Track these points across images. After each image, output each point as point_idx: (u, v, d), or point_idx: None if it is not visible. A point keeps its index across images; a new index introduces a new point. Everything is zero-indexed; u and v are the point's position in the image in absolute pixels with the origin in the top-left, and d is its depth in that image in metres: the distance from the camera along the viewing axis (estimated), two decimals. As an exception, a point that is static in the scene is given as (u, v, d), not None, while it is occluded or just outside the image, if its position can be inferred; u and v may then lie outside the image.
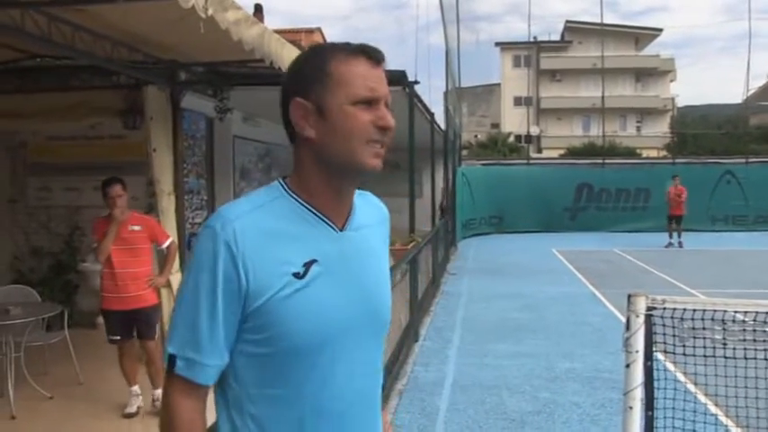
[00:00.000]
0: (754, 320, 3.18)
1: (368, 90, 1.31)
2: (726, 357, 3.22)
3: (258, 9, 25.82)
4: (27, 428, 4.97)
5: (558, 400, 5.39)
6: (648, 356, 3.17)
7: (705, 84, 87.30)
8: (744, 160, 22.77)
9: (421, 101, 10.81)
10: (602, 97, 26.39)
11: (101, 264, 5.26)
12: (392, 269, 5.78)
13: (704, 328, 3.24)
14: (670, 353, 3.25)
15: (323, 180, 1.35)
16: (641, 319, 3.19)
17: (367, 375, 1.43)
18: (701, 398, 4.74)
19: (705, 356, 3.25)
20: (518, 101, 49.88)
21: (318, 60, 1.33)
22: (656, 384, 3.16)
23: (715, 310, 3.25)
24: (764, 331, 3.17)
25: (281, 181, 1.38)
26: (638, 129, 50.69)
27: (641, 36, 52.24)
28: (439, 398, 5.53)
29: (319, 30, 31.45)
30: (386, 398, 5.30)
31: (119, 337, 5.24)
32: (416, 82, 8.78)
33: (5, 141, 8.17)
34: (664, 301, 3.21)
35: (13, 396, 5.15)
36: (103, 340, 5.34)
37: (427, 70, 64.80)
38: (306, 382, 1.31)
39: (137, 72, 6.02)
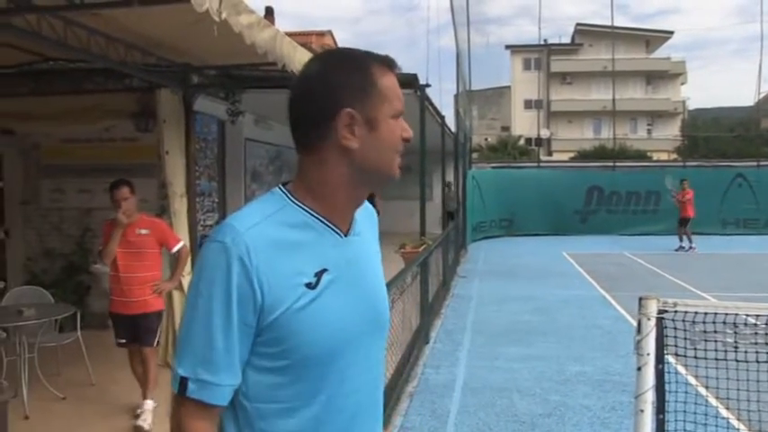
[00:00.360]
0: (766, 324, 3.18)
1: (401, 104, 1.35)
2: (737, 361, 3.23)
3: (269, 12, 25.91)
4: (40, 428, 5.00)
5: (569, 403, 5.39)
6: (660, 359, 3.18)
7: (716, 86, 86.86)
8: (755, 163, 22.67)
9: (432, 104, 10.83)
10: (613, 100, 26.34)
11: (108, 266, 5.24)
12: (402, 272, 5.80)
13: (716, 332, 3.24)
14: (681, 356, 3.25)
15: (349, 188, 1.35)
16: (652, 322, 3.19)
17: (373, 379, 1.44)
18: (713, 401, 4.71)
19: (716, 360, 3.25)
20: (528, 104, 49.83)
21: (365, 73, 1.32)
22: (667, 387, 3.17)
23: (726, 314, 3.25)
24: (772, 334, 3.17)
25: (283, 188, 1.37)
26: (649, 132, 50.52)
27: (652, 39, 52.07)
28: (449, 400, 5.54)
29: (330, 33, 31.53)
30: (396, 400, 5.32)
31: (124, 341, 5.21)
32: (428, 85, 8.81)
33: (19, 143, 8.25)
34: (675, 305, 3.21)
35: (26, 396, 5.18)
36: (110, 343, 5.35)
37: (438, 73, 64.93)
38: (319, 391, 1.31)
39: (150, 75, 6.08)
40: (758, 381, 3.26)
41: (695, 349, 3.28)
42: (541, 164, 26.23)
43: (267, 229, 1.26)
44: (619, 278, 12.31)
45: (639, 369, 3.20)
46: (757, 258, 15.64)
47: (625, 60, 45.52)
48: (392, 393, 5.18)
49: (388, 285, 1.62)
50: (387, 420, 4.74)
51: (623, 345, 6.82)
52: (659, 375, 3.17)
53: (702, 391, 4.92)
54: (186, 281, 6.48)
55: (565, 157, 39.11)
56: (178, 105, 6.50)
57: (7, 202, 8.33)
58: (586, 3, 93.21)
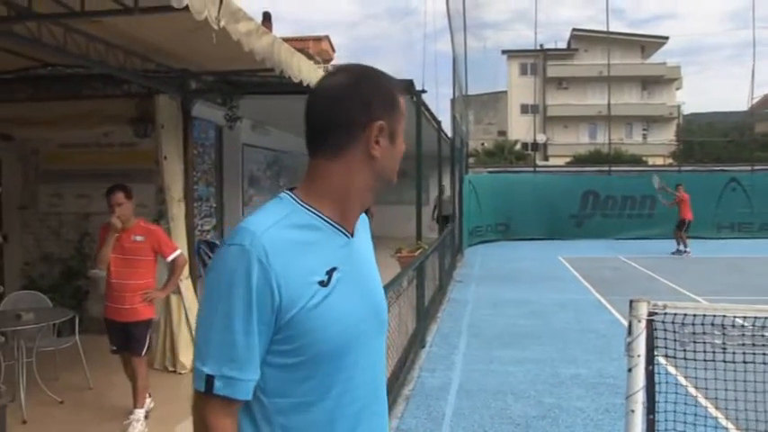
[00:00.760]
0: (753, 325, 3.24)
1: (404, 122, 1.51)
2: (725, 362, 3.29)
3: (266, 17, 25.96)
4: None
5: (563, 405, 5.45)
6: (650, 361, 3.24)
7: (712, 91, 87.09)
8: (749, 168, 22.80)
9: (428, 109, 10.90)
10: (608, 105, 26.44)
11: (104, 271, 5.18)
12: (399, 276, 5.86)
13: (704, 333, 3.30)
14: (671, 357, 3.31)
15: (365, 193, 1.45)
16: (643, 324, 3.26)
17: (379, 373, 1.53)
18: (702, 401, 4.79)
19: (705, 361, 3.31)
20: (525, 108, 49.96)
21: (391, 91, 1.46)
22: (657, 388, 3.23)
23: (715, 315, 3.31)
24: (763, 335, 3.23)
25: (290, 193, 1.44)
26: (645, 136, 50.68)
27: (647, 44, 52.29)
28: (445, 403, 5.60)
29: (327, 38, 31.61)
30: (393, 402, 5.37)
31: (115, 348, 5.19)
32: (424, 91, 8.88)
33: (18, 149, 8.29)
34: (665, 307, 3.28)
35: (24, 401, 5.21)
36: (107, 348, 5.34)
37: (434, 77, 65.02)
38: (333, 385, 1.38)
39: (148, 81, 6.14)
40: (745, 381, 3.32)
41: (684, 350, 3.34)
42: (537, 168, 26.31)
43: (281, 231, 1.33)
44: (614, 282, 12.39)
45: (630, 370, 3.27)
46: (751, 262, 15.74)
47: (621, 66, 45.65)
48: (388, 396, 5.22)
49: (385, 289, 1.70)
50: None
51: (617, 348, 6.87)
52: (649, 376, 3.24)
53: (692, 391, 4.99)
54: (184, 285, 6.55)
55: (561, 161, 39.19)
56: (176, 111, 6.56)
57: (5, 207, 8.36)
58: (583, 8, 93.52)
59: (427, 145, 10.45)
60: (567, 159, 38.88)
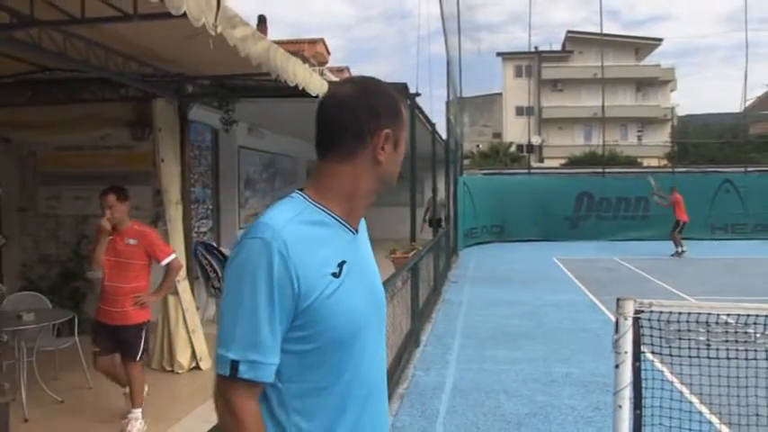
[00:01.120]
0: (736, 323, 3.35)
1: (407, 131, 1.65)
2: (710, 357, 3.40)
3: (262, 20, 26.02)
4: (39, 430, 5.12)
5: (554, 403, 5.55)
6: (637, 357, 3.34)
7: (706, 93, 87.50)
8: (743, 169, 22.95)
9: (422, 112, 10.99)
10: (602, 107, 26.57)
11: (99, 272, 5.18)
12: (393, 276, 5.95)
13: (689, 330, 3.41)
14: (657, 354, 3.41)
15: (370, 194, 1.59)
16: (629, 321, 3.36)
17: (380, 360, 1.66)
18: (687, 396, 4.90)
19: (690, 357, 3.42)
20: (520, 110, 50.06)
21: (396, 102, 1.60)
22: (644, 384, 3.33)
23: (699, 313, 3.42)
24: (746, 332, 3.34)
25: (301, 192, 1.56)
26: (639, 138, 50.85)
27: (642, 46, 52.48)
28: (439, 401, 5.69)
29: (322, 41, 31.68)
30: (388, 400, 5.45)
31: (98, 350, 5.14)
32: (418, 94, 8.99)
33: (16, 151, 8.37)
34: (651, 305, 3.38)
35: (25, 400, 5.29)
36: None
37: (429, 80, 65.22)
38: (344, 370, 1.49)
39: (146, 85, 6.22)
40: (728, 376, 3.43)
41: (670, 347, 3.45)
42: (532, 170, 26.43)
43: (297, 226, 1.44)
44: (607, 283, 12.49)
45: (617, 367, 3.36)
46: (745, 263, 15.86)
47: (615, 67, 45.84)
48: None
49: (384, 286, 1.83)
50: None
51: (609, 347, 6.96)
52: (636, 373, 3.33)
53: (678, 386, 5.10)
54: (181, 286, 6.62)
55: (556, 163, 39.32)
56: (173, 114, 6.65)
57: (4, 209, 8.44)
58: (577, 10, 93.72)
59: (422, 147, 10.54)
60: (563, 161, 39.02)
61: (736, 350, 3.35)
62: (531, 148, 39.59)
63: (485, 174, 25.46)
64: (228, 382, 1.40)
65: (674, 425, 3.49)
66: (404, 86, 8.19)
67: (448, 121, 17.70)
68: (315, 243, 1.45)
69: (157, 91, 6.47)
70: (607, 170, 23.95)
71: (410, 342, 7.25)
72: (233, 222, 10.53)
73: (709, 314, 3.35)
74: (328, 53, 32.81)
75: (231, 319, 1.40)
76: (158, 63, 5.73)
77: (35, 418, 5.26)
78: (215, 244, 9.48)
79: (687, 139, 40.52)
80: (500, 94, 52.47)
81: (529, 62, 50.37)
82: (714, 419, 4.54)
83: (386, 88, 1.61)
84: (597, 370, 6.45)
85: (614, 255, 17.37)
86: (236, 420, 1.39)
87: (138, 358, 5.11)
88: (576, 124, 50.46)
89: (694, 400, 4.88)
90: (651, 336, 3.40)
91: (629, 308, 3.38)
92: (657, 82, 51.28)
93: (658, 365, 4.43)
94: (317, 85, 6.13)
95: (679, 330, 3.41)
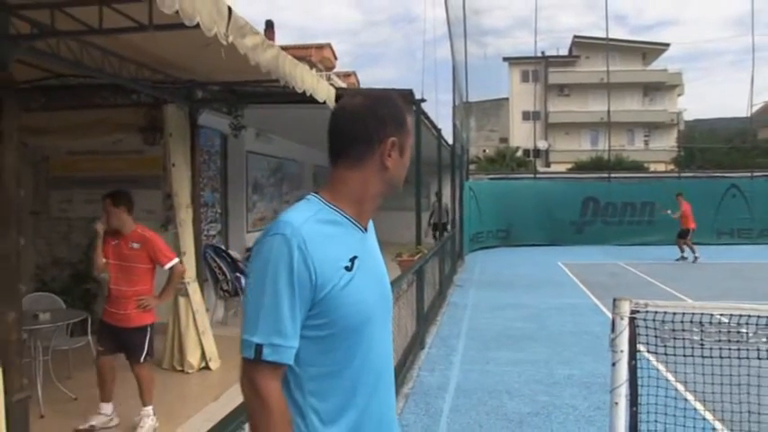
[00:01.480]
0: (729, 322, 3.46)
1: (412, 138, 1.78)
2: (703, 356, 3.51)
3: (269, 25, 26.22)
4: (54, 427, 5.26)
5: (556, 403, 5.67)
6: (632, 356, 3.46)
7: (714, 97, 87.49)
8: (749, 174, 23.00)
9: (428, 117, 11.13)
10: (608, 112, 26.66)
11: (105, 274, 5.30)
12: (399, 279, 6.08)
13: (684, 330, 3.53)
14: (653, 352, 3.53)
15: (377, 197, 1.75)
16: (625, 321, 3.48)
17: (388, 347, 1.81)
18: (682, 393, 5.03)
19: (684, 356, 3.53)
20: (526, 115, 50.19)
21: (401, 113, 1.76)
22: (639, 382, 3.45)
23: (693, 313, 3.54)
24: (738, 332, 3.45)
25: (316, 195, 1.71)
26: (646, 143, 50.86)
27: (649, 51, 52.53)
28: (443, 400, 5.81)
29: (329, 45, 31.92)
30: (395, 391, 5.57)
31: (101, 349, 5.26)
32: (423, 100, 9.12)
33: (29, 156, 8.53)
34: (646, 305, 3.50)
35: (41, 397, 5.46)
36: None
37: (435, 84, 65.38)
38: (355, 356, 1.64)
39: (157, 91, 6.37)
40: (722, 375, 3.54)
41: (665, 346, 3.56)
42: (538, 175, 26.53)
43: (313, 224, 1.59)
44: (611, 287, 12.57)
45: (614, 365, 3.49)
46: (750, 267, 15.91)
47: (622, 72, 45.94)
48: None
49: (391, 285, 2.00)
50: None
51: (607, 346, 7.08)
52: (632, 371, 3.45)
53: (673, 384, 5.21)
54: (192, 288, 6.77)
55: (562, 168, 39.40)
56: (184, 120, 6.81)
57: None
58: (584, 14, 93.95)
59: (427, 152, 10.67)
60: (569, 166, 39.09)
61: (729, 349, 3.46)
62: (537, 152, 39.72)
63: (491, 179, 25.58)
64: (253, 365, 1.54)
65: (669, 421, 3.60)
66: (409, 92, 8.32)
67: (454, 126, 17.82)
68: (329, 240, 1.60)
69: (168, 97, 6.63)
70: (613, 175, 24.03)
71: (415, 344, 7.37)
72: (241, 226, 10.69)
73: (702, 314, 3.47)
74: (335, 58, 33.06)
75: (255, 308, 1.55)
76: (170, 70, 5.89)
77: (50, 415, 5.42)
78: (224, 247, 9.63)
79: (694, 144, 40.52)
80: (507, 98, 52.59)
81: (535, 67, 50.46)
82: (708, 416, 4.65)
83: (392, 100, 1.77)
84: (598, 371, 6.55)
85: (619, 259, 17.44)
86: (261, 400, 1.53)
87: (141, 360, 5.20)
88: (582, 129, 50.51)
89: (689, 397, 5.00)
90: (647, 335, 3.51)
91: (626, 308, 3.50)
92: (665, 87, 51.28)
93: (654, 364, 4.54)
94: (324, 91, 6.27)
95: (674, 330, 3.52)
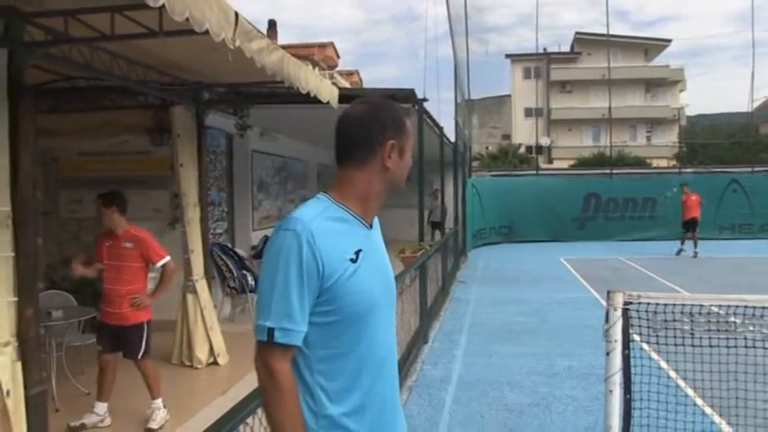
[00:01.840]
0: (718, 312, 3.61)
1: (413, 140, 1.96)
2: (693, 346, 3.66)
3: (272, 25, 26.34)
4: (69, 421, 5.40)
5: (556, 394, 5.83)
6: (626, 346, 3.62)
7: (716, 93, 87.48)
8: (750, 169, 23.10)
9: (430, 116, 11.27)
10: (609, 108, 26.78)
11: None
12: (401, 274, 6.23)
13: (675, 320, 3.68)
14: (646, 342, 3.69)
15: (380, 195, 1.91)
16: (619, 312, 3.64)
17: (392, 336, 1.97)
18: (675, 380, 5.17)
19: (675, 345, 3.68)
20: (529, 112, 50.25)
21: (400, 117, 1.92)
22: (633, 370, 3.60)
23: (684, 304, 3.69)
24: (727, 322, 3.60)
25: (325, 194, 1.87)
26: (648, 138, 50.91)
27: (651, 47, 52.56)
28: (445, 392, 5.98)
29: (332, 44, 32.03)
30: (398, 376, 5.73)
31: (100, 348, 5.40)
32: (425, 99, 9.25)
33: (39, 157, 8.68)
34: (639, 297, 3.66)
35: (56, 392, 5.63)
36: None
37: (437, 82, 65.44)
38: (360, 340, 1.79)
39: (165, 93, 6.53)
40: (711, 362, 3.70)
41: (657, 336, 3.71)
42: (540, 172, 26.64)
43: (322, 221, 1.76)
44: (613, 282, 12.69)
45: (608, 354, 3.65)
46: (751, 262, 16.04)
47: (624, 68, 45.97)
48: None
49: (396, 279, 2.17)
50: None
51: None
52: (625, 360, 3.61)
53: (665, 372, 5.36)
54: (201, 285, 6.92)
55: (565, 164, 39.49)
56: (191, 121, 6.96)
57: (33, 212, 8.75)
58: (586, 11, 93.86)
59: (430, 150, 10.81)
60: (572, 162, 39.16)
61: (718, 338, 3.61)
62: (539, 149, 39.82)
63: (493, 175, 25.70)
64: (266, 347, 1.71)
65: (661, 408, 3.76)
66: (411, 92, 8.46)
67: (456, 123, 17.93)
68: (336, 235, 1.76)
69: (175, 98, 6.79)
70: (614, 171, 24.14)
71: (419, 338, 7.53)
72: (247, 224, 10.85)
73: (693, 305, 3.62)
74: (338, 57, 33.16)
75: (268, 295, 1.72)
76: (178, 72, 6.04)
77: (65, 409, 5.58)
78: (230, 245, 9.80)
79: (696, 140, 40.58)
80: (509, 95, 52.67)
81: (537, 64, 50.54)
82: (699, 401, 4.81)
83: (391, 105, 1.93)
84: (597, 363, 6.66)
85: (621, 255, 17.59)
86: (272, 379, 1.71)
87: (139, 356, 5.34)
88: (584, 125, 50.58)
89: (681, 384, 5.16)
90: (640, 326, 3.67)
91: (619, 300, 3.66)
92: (666, 82, 51.33)
93: (647, 353, 4.69)
94: (327, 91, 6.43)
95: (665, 320, 3.67)
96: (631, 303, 3.65)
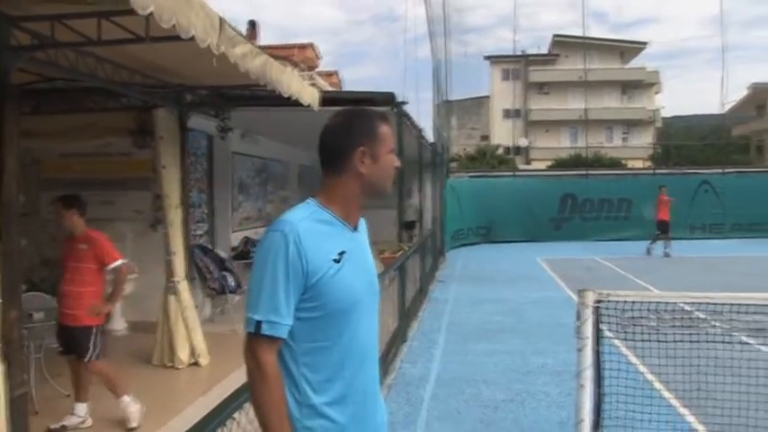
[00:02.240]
0: (684, 309, 3.79)
1: (393, 144, 2.08)
2: (660, 341, 3.83)
3: (253, 25, 26.33)
4: (48, 423, 5.42)
5: (530, 390, 6.01)
6: (597, 342, 3.78)
7: (691, 95, 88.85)
8: (721, 170, 23.56)
9: (409, 118, 11.39)
10: (585, 109, 27.16)
11: None
12: (381, 275, 6.35)
13: (642, 317, 3.85)
14: (616, 338, 3.85)
15: (358, 199, 2.03)
16: (590, 310, 3.80)
17: (374, 332, 2.10)
18: (643, 375, 5.39)
19: (644, 341, 3.85)
20: (507, 113, 50.69)
21: (371, 124, 2.02)
22: (604, 366, 3.77)
23: (650, 302, 3.87)
24: (692, 318, 3.78)
25: (313, 199, 2.01)
26: (625, 140, 51.52)
27: (627, 49, 53.21)
28: (423, 390, 6.13)
29: (312, 45, 32.02)
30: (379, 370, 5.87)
31: (61, 349, 5.48)
32: (405, 102, 9.37)
33: (20, 158, 8.65)
34: (608, 295, 3.82)
35: (35, 394, 5.63)
36: (109, 345, 5.69)
37: (416, 83, 65.66)
38: (342, 334, 1.93)
39: (148, 96, 6.60)
40: (675, 357, 3.87)
41: (625, 332, 3.88)
42: (517, 173, 26.91)
43: (308, 223, 1.90)
44: (587, 281, 12.93)
45: (580, 351, 3.81)
46: (723, 261, 16.38)
47: (600, 70, 46.61)
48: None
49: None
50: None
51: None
52: (596, 356, 3.77)
53: (634, 367, 5.56)
54: (183, 286, 6.98)
55: (543, 165, 39.87)
56: (174, 123, 7.03)
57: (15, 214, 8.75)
58: (565, 12, 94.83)
59: (409, 152, 10.93)
60: (549, 163, 39.55)
61: (683, 334, 3.79)
62: (518, 150, 40.16)
63: (471, 176, 25.92)
64: (254, 338, 1.85)
65: (630, 401, 3.92)
66: (391, 95, 8.58)
67: (435, 124, 18.07)
68: (322, 236, 1.91)
69: (158, 101, 6.85)
70: (591, 172, 24.47)
71: (397, 338, 7.66)
72: (227, 226, 10.90)
73: (659, 302, 3.79)
74: (318, 57, 33.16)
75: (257, 291, 1.86)
76: (162, 76, 6.11)
77: (44, 412, 5.58)
78: (210, 246, 9.86)
79: (670, 141, 41.16)
80: (488, 97, 53.02)
81: (516, 65, 50.97)
82: (666, 394, 5.02)
83: (365, 113, 2.06)
84: (571, 360, 6.78)
85: (596, 255, 17.87)
86: (259, 369, 1.84)
87: (86, 359, 5.34)
88: (562, 127, 51.07)
89: (650, 378, 5.37)
90: (610, 323, 3.84)
91: (590, 298, 3.82)
92: (642, 84, 51.99)
93: (617, 349, 4.87)
94: (308, 95, 6.54)
95: (633, 318, 3.84)
96: (602, 301, 3.82)
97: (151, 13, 3.16)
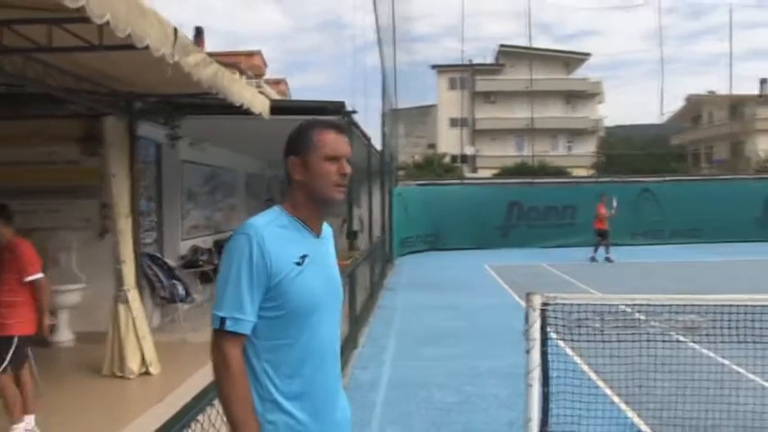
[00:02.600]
0: (625, 311, 3.98)
1: (332, 151, 2.10)
2: (603, 341, 4.02)
3: (199, 32, 26.09)
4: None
5: (480, 393, 6.16)
6: (543, 343, 3.94)
7: (631, 105, 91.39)
8: (661, 178, 24.35)
9: (359, 127, 11.49)
10: (531, 119, 27.72)
11: None
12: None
13: (587, 319, 4.03)
14: (561, 340, 4.02)
15: (309, 205, 2.12)
16: (537, 312, 3.96)
17: (334, 331, 2.21)
18: (587, 374, 5.59)
19: (588, 341, 4.04)
20: (454, 122, 51.18)
21: (306, 134, 2.11)
22: (550, 366, 3.92)
23: (595, 304, 4.05)
24: (632, 319, 3.98)
25: (280, 206, 2.14)
26: (569, 148, 52.59)
27: (571, 60, 54.37)
28: (376, 394, 6.22)
29: (259, 53, 31.90)
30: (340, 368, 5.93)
31: None
32: (354, 112, 9.48)
33: (-39, 167, 8.47)
34: (555, 298, 3.99)
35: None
36: (56, 357, 5.53)
37: (365, 90, 65.93)
38: (302, 333, 2.04)
39: (96, 104, 6.53)
40: (619, 356, 4.06)
41: (571, 333, 4.06)
42: (465, 181, 27.27)
43: (272, 227, 2.03)
44: (534, 287, 12.85)
45: (527, 352, 3.97)
46: (662, 267, 16.96)
47: (545, 80, 47.55)
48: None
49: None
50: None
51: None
52: (543, 356, 3.93)
53: (579, 366, 5.78)
54: (132, 295, 6.92)
55: (489, 173, 40.44)
56: (123, 131, 6.96)
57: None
58: (510, 22, 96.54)
59: (358, 160, 11.04)
60: (496, 171, 40.13)
61: (624, 334, 3.98)
62: (464, 158, 40.67)
63: (419, 184, 26.15)
64: (219, 334, 1.97)
65: (575, 399, 4.10)
66: (341, 104, 8.67)
67: (383, 133, 18.19)
68: (284, 240, 2.03)
69: (106, 108, 6.78)
70: (536, 180, 24.98)
71: (348, 344, 7.73)
72: (176, 234, 10.80)
73: (602, 304, 3.98)
74: (265, 65, 33.04)
75: (222, 289, 1.99)
76: (113, 84, 6.08)
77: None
78: (159, 255, 9.76)
79: (612, 151, 42.28)
80: (435, 105, 53.50)
81: (462, 75, 51.59)
82: (608, 391, 5.22)
83: (303, 124, 2.15)
84: (519, 363, 6.92)
85: (542, 261, 18.24)
86: (224, 363, 1.95)
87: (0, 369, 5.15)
88: (508, 135, 51.81)
89: (593, 376, 5.57)
90: (556, 324, 4.00)
91: (537, 301, 3.99)
92: (586, 94, 53.16)
93: (563, 350, 5.06)
94: (259, 104, 6.61)
95: (578, 319, 4.02)
96: (549, 304, 3.98)
97: (107, 22, 3.19)
